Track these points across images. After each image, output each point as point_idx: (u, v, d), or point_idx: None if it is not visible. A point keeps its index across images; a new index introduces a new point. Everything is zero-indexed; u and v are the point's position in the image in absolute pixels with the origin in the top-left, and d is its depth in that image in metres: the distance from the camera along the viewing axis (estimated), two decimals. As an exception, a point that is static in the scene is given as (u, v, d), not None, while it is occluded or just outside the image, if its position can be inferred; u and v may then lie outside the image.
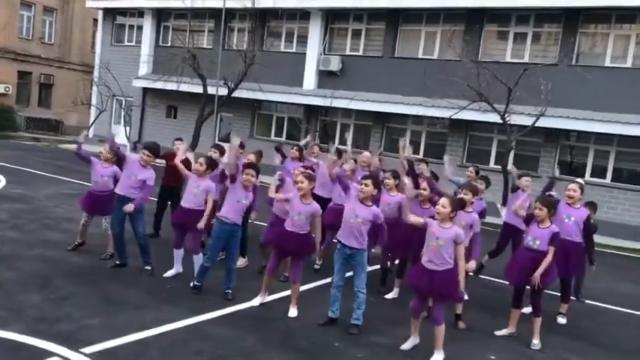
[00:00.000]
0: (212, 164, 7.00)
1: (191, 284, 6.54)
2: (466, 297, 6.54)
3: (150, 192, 6.98)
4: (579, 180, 7.48)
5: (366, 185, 5.71)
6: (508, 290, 6.54)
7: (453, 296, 5.52)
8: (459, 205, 5.43)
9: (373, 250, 5.97)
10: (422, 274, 5.30)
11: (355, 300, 5.85)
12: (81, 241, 7.70)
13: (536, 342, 6.03)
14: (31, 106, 29.61)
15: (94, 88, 24.68)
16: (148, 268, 7.02)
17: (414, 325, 5.54)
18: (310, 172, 6.41)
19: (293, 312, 6.16)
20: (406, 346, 5.54)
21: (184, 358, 4.82)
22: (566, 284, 7.06)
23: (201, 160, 6.86)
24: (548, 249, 5.85)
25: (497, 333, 6.26)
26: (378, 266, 7.55)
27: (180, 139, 8.22)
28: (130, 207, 6.71)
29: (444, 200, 5.34)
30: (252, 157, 7.87)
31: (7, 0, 27.31)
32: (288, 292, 6.40)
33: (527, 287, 6.05)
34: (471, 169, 8.54)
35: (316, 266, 7.96)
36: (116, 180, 7.24)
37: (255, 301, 6.31)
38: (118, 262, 7.14)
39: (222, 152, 8.03)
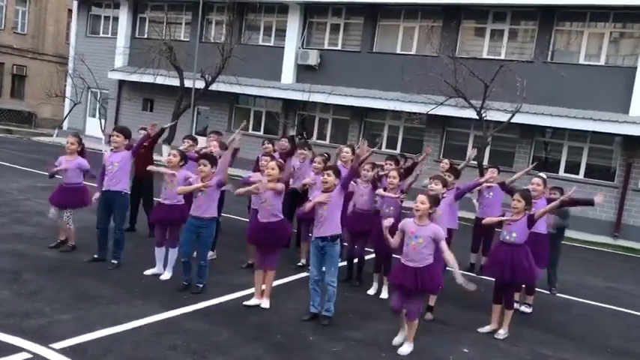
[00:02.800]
0: (185, 157, 6.91)
1: (185, 283, 6.41)
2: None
3: (128, 173, 6.92)
4: (542, 174, 7.61)
5: (328, 175, 5.77)
6: (482, 284, 6.61)
7: (435, 290, 5.61)
8: (437, 201, 5.49)
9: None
10: (405, 272, 5.31)
11: (326, 293, 5.87)
12: (63, 239, 7.51)
13: (502, 332, 6.12)
14: (3, 97, 29.01)
15: (69, 79, 24.29)
16: (115, 262, 6.92)
17: (402, 319, 5.54)
18: (281, 160, 6.44)
19: (266, 303, 6.13)
20: (397, 340, 5.54)
21: (158, 352, 4.77)
22: None
23: (174, 151, 6.80)
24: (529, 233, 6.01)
25: (481, 330, 6.27)
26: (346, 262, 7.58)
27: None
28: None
29: (422, 197, 5.37)
30: (215, 144, 7.75)
31: (-23, -12, 26.71)
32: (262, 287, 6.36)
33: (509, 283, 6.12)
34: (445, 160, 8.63)
35: (300, 263, 7.95)
36: (82, 171, 7.25)
37: (251, 302, 6.17)
38: (96, 256, 7.04)
39: (195, 142, 8.00)
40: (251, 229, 6.33)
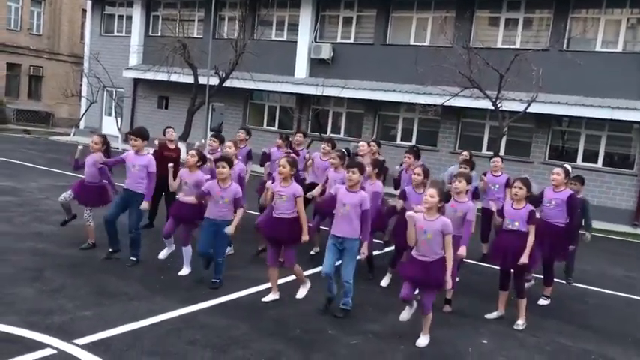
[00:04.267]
0: (203, 157, 6.96)
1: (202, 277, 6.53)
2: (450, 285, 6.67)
3: (154, 179, 6.95)
4: (566, 165, 7.61)
5: (353, 173, 5.75)
6: (495, 274, 6.59)
7: (443, 285, 5.54)
8: (447, 196, 5.48)
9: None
10: (415, 265, 5.33)
11: (342, 288, 5.90)
12: (71, 216, 7.76)
13: (520, 322, 6.15)
14: (21, 98, 29.39)
15: (84, 79, 24.56)
16: (134, 259, 7.01)
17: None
18: (294, 157, 6.45)
19: (302, 292, 6.24)
20: (404, 316, 5.57)
21: (178, 347, 4.83)
22: (549, 268, 7.15)
23: (192, 152, 6.85)
24: (528, 229, 5.97)
25: (488, 316, 6.36)
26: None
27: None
28: (145, 205, 6.85)
29: (432, 190, 5.37)
30: (230, 145, 7.81)
31: (-7, -9, 27.08)
32: (280, 281, 6.41)
33: (512, 270, 6.16)
34: (465, 153, 8.93)
35: (312, 252, 8.00)
36: (101, 171, 7.31)
37: (268, 298, 6.20)
38: (111, 250, 7.13)
39: (221, 142, 8.07)
40: (264, 221, 6.30)
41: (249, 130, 9.21)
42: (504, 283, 6.30)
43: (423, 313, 5.41)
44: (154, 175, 6.95)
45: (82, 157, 7.37)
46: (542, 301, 7.16)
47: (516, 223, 6.03)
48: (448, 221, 5.31)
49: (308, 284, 6.32)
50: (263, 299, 6.19)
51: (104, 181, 7.46)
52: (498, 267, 6.36)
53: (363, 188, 5.99)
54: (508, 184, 8.21)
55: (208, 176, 6.85)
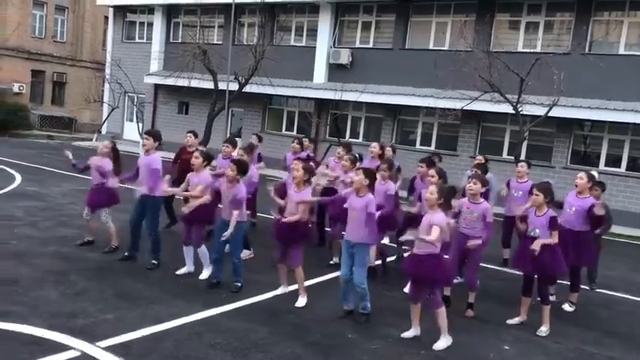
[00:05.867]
0: (209, 157, 6.99)
1: (213, 280, 6.56)
2: (457, 281, 6.75)
3: (158, 175, 7.01)
4: (594, 172, 7.46)
5: (357, 174, 5.76)
6: (517, 280, 6.53)
7: (444, 280, 5.59)
8: (449, 192, 5.52)
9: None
10: (412, 261, 5.43)
11: (356, 294, 5.89)
12: (91, 239, 7.79)
13: (544, 329, 6.07)
14: (44, 104, 29.88)
15: (106, 85, 24.86)
16: (155, 262, 7.09)
17: (414, 311, 5.56)
18: (310, 164, 6.48)
19: (301, 301, 6.20)
20: (408, 334, 5.57)
21: (199, 350, 4.86)
22: (575, 274, 7.04)
23: (197, 153, 6.93)
24: (552, 234, 5.91)
25: (509, 321, 6.30)
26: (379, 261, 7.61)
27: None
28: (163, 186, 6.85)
29: (432, 187, 5.45)
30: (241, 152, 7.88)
31: (19, 0, 27.57)
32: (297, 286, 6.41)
33: (536, 276, 6.11)
34: (479, 157, 8.88)
35: (332, 262, 7.99)
36: (102, 172, 7.47)
37: (279, 291, 6.38)
38: (127, 254, 7.23)
39: (234, 146, 8.12)
40: (274, 224, 6.39)
41: (260, 136, 9.27)
42: (527, 289, 6.23)
43: (434, 309, 5.40)
44: (156, 172, 6.98)
45: (80, 161, 7.58)
46: (567, 307, 7.05)
47: (537, 231, 5.98)
48: (441, 215, 5.29)
49: (305, 297, 6.26)
50: (275, 292, 6.28)
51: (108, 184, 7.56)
52: (521, 273, 6.30)
53: (372, 190, 5.97)
54: (532, 191, 7.96)
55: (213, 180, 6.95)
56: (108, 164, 7.54)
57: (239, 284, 6.47)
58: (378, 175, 6.51)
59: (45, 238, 7.99)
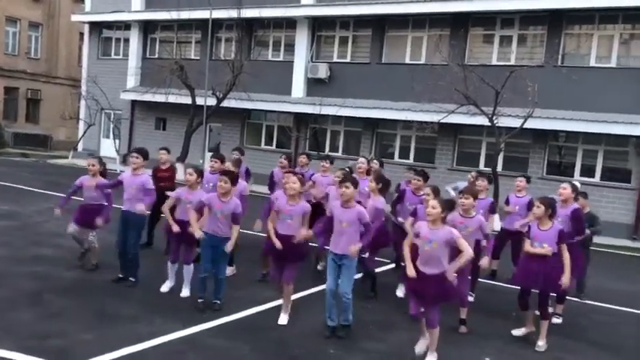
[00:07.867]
0: (202, 174, 6.97)
1: (200, 301, 6.40)
2: (471, 299, 6.67)
3: (153, 195, 6.96)
4: (575, 182, 7.54)
5: (346, 187, 5.71)
6: (502, 292, 6.55)
7: (450, 298, 5.49)
8: (449, 206, 5.45)
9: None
10: (419, 278, 5.27)
11: (341, 305, 5.82)
12: (86, 249, 7.63)
13: (541, 344, 6.01)
14: (18, 121, 29.45)
15: (82, 102, 24.64)
16: (132, 279, 6.98)
17: (422, 325, 5.48)
18: (300, 176, 6.42)
19: (283, 319, 6.11)
20: (419, 348, 5.48)
21: (179, 370, 4.78)
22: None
23: (190, 170, 6.84)
24: (560, 248, 5.84)
25: (515, 332, 6.28)
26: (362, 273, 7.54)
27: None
28: (140, 207, 6.78)
29: (433, 202, 5.34)
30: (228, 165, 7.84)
31: (-8, 16, 27.29)
32: (279, 301, 6.35)
33: (534, 290, 6.06)
34: (473, 173, 8.96)
35: (319, 267, 7.97)
36: (103, 191, 7.32)
37: (282, 320, 6.13)
38: (120, 275, 7.08)
39: (222, 161, 8.06)
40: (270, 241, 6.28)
41: (242, 149, 9.19)
42: (525, 303, 6.15)
43: (430, 328, 5.33)
44: (152, 192, 6.98)
45: (69, 183, 7.44)
46: (555, 320, 6.97)
47: (545, 244, 5.85)
48: (452, 230, 5.24)
49: (288, 315, 6.18)
50: (278, 321, 6.12)
51: (105, 203, 7.43)
52: (517, 287, 6.24)
53: (358, 202, 5.94)
54: (530, 206, 7.75)
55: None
56: (105, 181, 7.41)
57: (219, 302, 6.38)
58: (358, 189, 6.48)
59: (19, 258, 7.80)
